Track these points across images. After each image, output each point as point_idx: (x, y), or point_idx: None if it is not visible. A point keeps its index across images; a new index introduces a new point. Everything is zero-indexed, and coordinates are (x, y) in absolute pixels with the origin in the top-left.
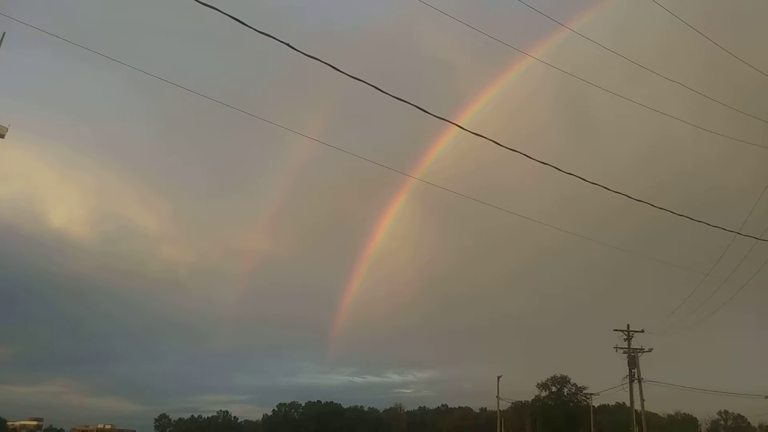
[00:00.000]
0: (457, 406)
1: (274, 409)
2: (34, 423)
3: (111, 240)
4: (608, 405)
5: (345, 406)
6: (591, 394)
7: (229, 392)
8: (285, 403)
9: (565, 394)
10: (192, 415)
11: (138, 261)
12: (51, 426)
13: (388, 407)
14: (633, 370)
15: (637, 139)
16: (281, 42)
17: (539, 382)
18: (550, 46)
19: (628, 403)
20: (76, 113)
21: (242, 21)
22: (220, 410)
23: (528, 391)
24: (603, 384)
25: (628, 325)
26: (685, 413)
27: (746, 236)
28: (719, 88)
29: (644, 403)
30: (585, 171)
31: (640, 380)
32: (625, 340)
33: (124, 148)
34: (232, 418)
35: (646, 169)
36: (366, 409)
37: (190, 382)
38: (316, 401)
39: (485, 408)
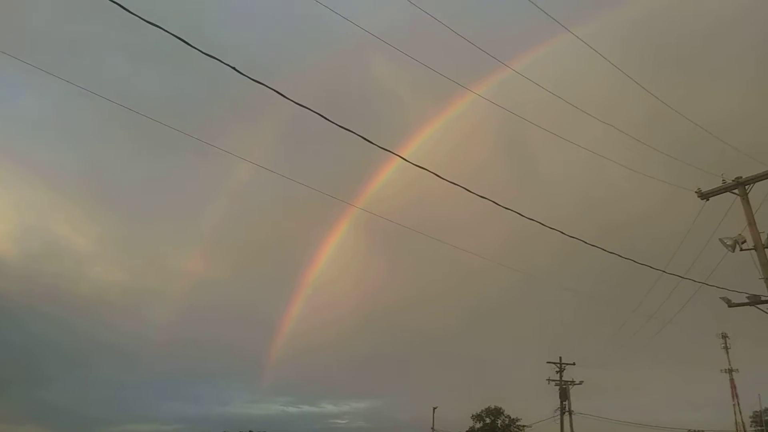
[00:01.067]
0: None
1: None
2: None
3: (36, 257)
4: None
5: None
6: (524, 426)
7: (158, 421)
8: None
9: (499, 425)
10: None
11: (67, 279)
12: None
13: None
14: (564, 402)
15: (577, 182)
16: (227, 65)
17: (474, 413)
18: (495, 83)
19: None
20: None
21: (187, 42)
22: None
23: (463, 423)
24: (536, 415)
25: (560, 358)
26: None
27: (671, 274)
28: (657, 137)
29: None
30: (526, 209)
31: (570, 412)
32: (557, 372)
33: (52, 165)
34: None
35: (585, 211)
36: None
37: (119, 409)
38: None
39: None
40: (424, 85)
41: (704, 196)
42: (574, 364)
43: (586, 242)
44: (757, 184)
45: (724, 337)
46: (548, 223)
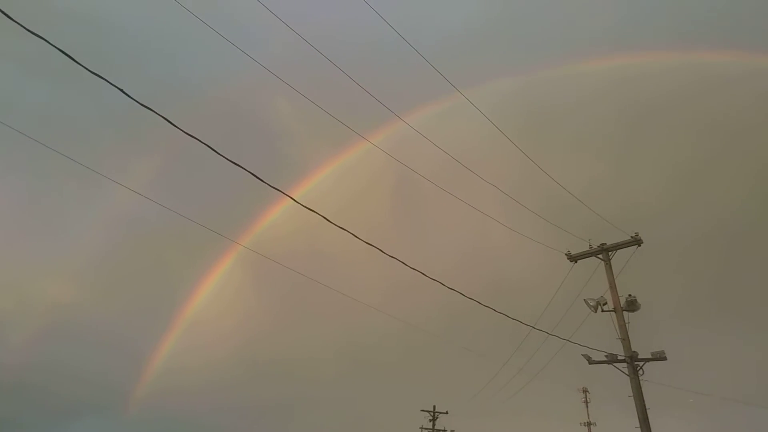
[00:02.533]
0: None
1: None
2: None
3: None
4: None
5: None
6: None
7: None
8: None
9: None
10: None
11: None
12: None
13: None
14: None
15: (460, 235)
16: (114, 86)
17: None
18: (394, 133)
19: None
20: None
21: (75, 59)
22: None
23: None
24: None
25: (434, 406)
26: None
27: (540, 330)
28: (537, 199)
29: None
30: (412, 259)
31: None
32: (430, 420)
33: None
34: None
35: (469, 266)
36: None
37: None
38: None
39: None
40: (326, 128)
41: (573, 258)
42: (447, 412)
43: (463, 294)
44: (618, 251)
45: (585, 392)
46: (431, 275)
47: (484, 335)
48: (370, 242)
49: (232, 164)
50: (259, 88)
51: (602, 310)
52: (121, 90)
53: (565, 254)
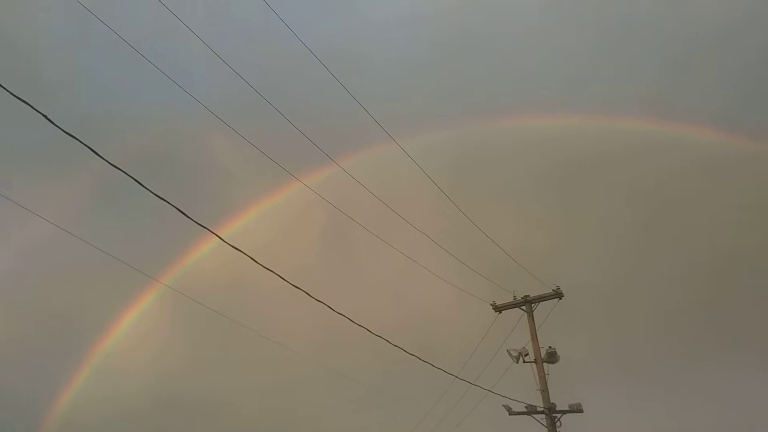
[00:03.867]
0: None
1: None
2: None
3: None
4: None
5: None
6: None
7: None
8: None
9: None
10: None
11: None
12: None
13: None
14: None
15: (390, 282)
16: (35, 110)
17: None
18: (325, 175)
19: None
20: None
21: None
22: None
23: None
24: None
25: None
26: None
27: (462, 380)
28: (461, 244)
29: None
30: (340, 302)
31: None
32: None
33: None
34: None
35: (395, 313)
36: None
37: None
38: None
39: None
40: (260, 166)
41: (498, 309)
42: None
43: (388, 341)
44: (541, 303)
45: None
46: (362, 321)
47: (416, 385)
48: (297, 285)
49: (160, 199)
50: (196, 125)
51: (524, 361)
52: (44, 116)
53: (491, 305)
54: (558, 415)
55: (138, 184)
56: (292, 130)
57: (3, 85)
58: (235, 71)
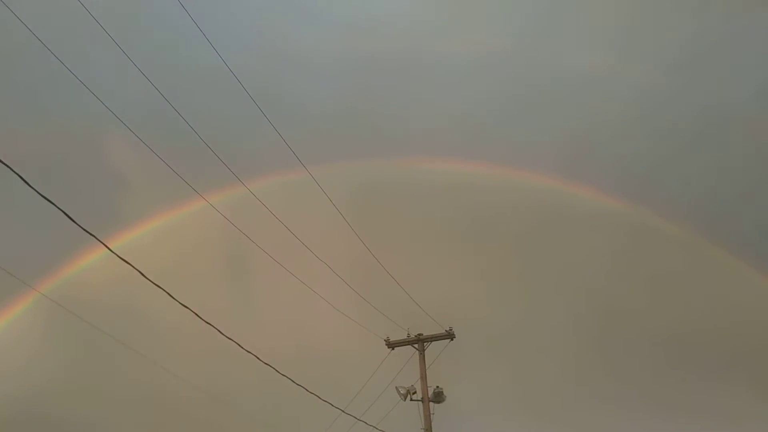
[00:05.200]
0: None
1: None
2: None
3: None
4: None
5: None
6: None
7: None
8: None
9: None
10: None
11: None
12: None
13: None
14: None
15: (289, 311)
16: None
17: None
18: (232, 196)
19: None
20: None
21: None
22: None
23: None
24: None
25: None
26: None
27: (348, 414)
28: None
29: None
30: (230, 327)
31: None
32: None
33: None
34: None
35: (292, 342)
36: None
37: None
38: None
39: None
40: (163, 180)
41: (391, 345)
42: None
43: (276, 370)
44: (433, 342)
45: None
46: (254, 348)
47: (304, 417)
48: (186, 305)
49: (45, 201)
50: (98, 129)
51: (411, 399)
52: None
53: (384, 341)
54: None
55: (21, 181)
56: (202, 146)
57: None
58: (144, 73)
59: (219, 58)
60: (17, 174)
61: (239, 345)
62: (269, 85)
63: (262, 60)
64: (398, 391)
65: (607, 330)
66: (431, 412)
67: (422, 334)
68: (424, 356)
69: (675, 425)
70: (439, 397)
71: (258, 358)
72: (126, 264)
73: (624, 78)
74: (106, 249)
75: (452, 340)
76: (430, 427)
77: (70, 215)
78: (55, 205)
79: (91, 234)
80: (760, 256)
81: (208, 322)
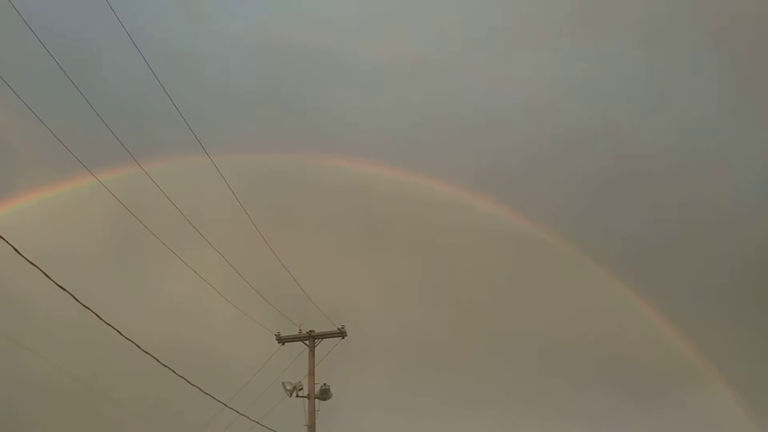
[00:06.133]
0: None
1: None
2: None
3: None
4: None
5: None
6: None
7: None
8: None
9: None
10: None
11: None
12: None
13: None
14: None
15: (177, 301)
16: None
17: None
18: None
19: None
20: None
21: None
22: None
23: None
24: None
25: None
26: None
27: (231, 409)
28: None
29: None
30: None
31: None
32: None
33: None
34: None
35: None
36: None
37: None
38: None
39: None
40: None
41: (281, 340)
42: None
43: (157, 360)
44: (324, 340)
45: None
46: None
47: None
48: (63, 287)
49: None
50: None
51: (298, 395)
52: None
53: (275, 335)
54: None
55: None
56: (98, 121)
57: None
58: (39, 39)
59: (122, 27)
60: None
61: (118, 331)
62: (184, 63)
63: (177, 32)
64: (284, 387)
65: (491, 336)
66: (317, 409)
67: (314, 331)
68: (314, 353)
69: (548, 427)
70: (325, 394)
71: (138, 346)
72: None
73: (515, 91)
74: None
75: (344, 338)
76: (314, 424)
77: None
78: None
79: None
80: (623, 268)
81: (84, 305)
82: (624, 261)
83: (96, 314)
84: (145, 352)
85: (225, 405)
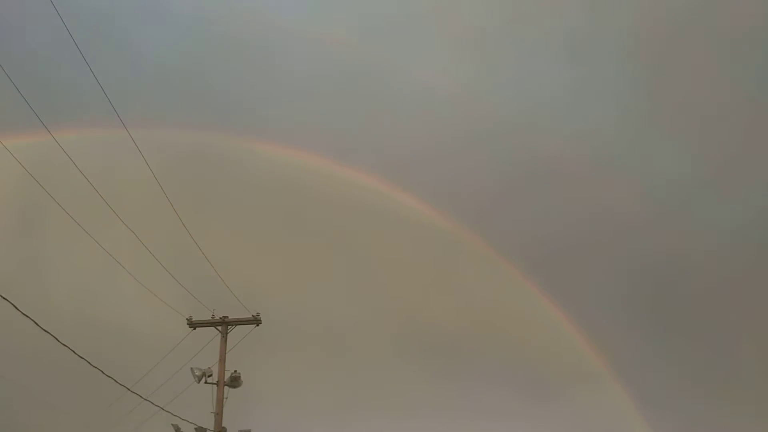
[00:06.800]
0: None
1: None
2: None
3: None
4: None
5: None
6: None
7: None
8: None
9: None
10: None
11: None
12: None
13: None
14: None
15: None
16: None
17: None
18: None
19: None
20: None
21: None
22: None
23: None
24: None
25: None
26: None
27: (134, 393)
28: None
29: None
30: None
31: None
32: None
33: None
34: None
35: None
36: None
37: None
38: None
39: None
40: None
41: (193, 325)
42: None
43: (57, 339)
44: (238, 327)
45: None
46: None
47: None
48: None
49: None
50: None
51: (206, 382)
52: None
53: (187, 320)
54: None
55: None
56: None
57: None
58: None
59: None
60: None
61: (14, 306)
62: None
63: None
64: (193, 373)
65: (403, 333)
66: (225, 396)
67: (227, 317)
68: (226, 339)
69: (454, 424)
70: (235, 381)
71: (35, 323)
72: None
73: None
74: None
75: (258, 325)
76: (222, 411)
77: None
78: None
79: None
80: (534, 270)
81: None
82: (535, 263)
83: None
84: (43, 330)
85: (128, 389)
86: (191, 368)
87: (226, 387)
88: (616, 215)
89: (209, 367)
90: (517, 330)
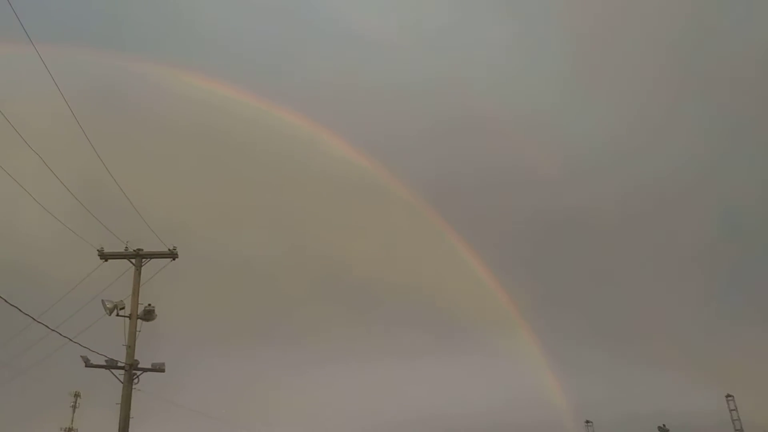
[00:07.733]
0: None
1: None
2: None
3: None
4: None
5: None
6: None
7: None
8: None
9: None
10: None
11: None
12: None
13: None
14: None
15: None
16: None
17: None
18: None
19: None
20: None
21: None
22: None
23: None
24: None
25: None
26: None
27: (40, 323)
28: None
29: None
30: None
31: None
32: None
33: None
34: None
35: None
36: None
37: None
38: None
39: None
40: None
41: (104, 257)
42: None
43: None
44: (153, 260)
45: (76, 396)
46: None
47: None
48: None
49: None
50: None
51: (118, 314)
52: None
53: (98, 251)
54: (138, 373)
55: None
56: None
57: None
58: None
59: None
60: None
61: None
62: None
63: None
64: (104, 305)
65: (324, 275)
66: (138, 329)
67: (142, 250)
68: (140, 272)
69: (368, 362)
70: (149, 315)
71: None
72: None
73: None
74: None
75: (174, 259)
76: (134, 344)
77: None
78: None
79: None
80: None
81: None
82: (453, 210)
83: None
84: None
85: (34, 319)
86: (102, 300)
87: (139, 320)
88: (536, 168)
89: (121, 300)
90: (433, 277)
